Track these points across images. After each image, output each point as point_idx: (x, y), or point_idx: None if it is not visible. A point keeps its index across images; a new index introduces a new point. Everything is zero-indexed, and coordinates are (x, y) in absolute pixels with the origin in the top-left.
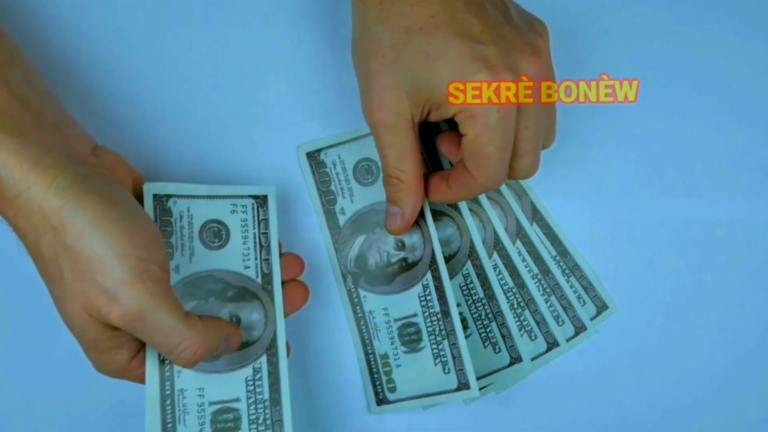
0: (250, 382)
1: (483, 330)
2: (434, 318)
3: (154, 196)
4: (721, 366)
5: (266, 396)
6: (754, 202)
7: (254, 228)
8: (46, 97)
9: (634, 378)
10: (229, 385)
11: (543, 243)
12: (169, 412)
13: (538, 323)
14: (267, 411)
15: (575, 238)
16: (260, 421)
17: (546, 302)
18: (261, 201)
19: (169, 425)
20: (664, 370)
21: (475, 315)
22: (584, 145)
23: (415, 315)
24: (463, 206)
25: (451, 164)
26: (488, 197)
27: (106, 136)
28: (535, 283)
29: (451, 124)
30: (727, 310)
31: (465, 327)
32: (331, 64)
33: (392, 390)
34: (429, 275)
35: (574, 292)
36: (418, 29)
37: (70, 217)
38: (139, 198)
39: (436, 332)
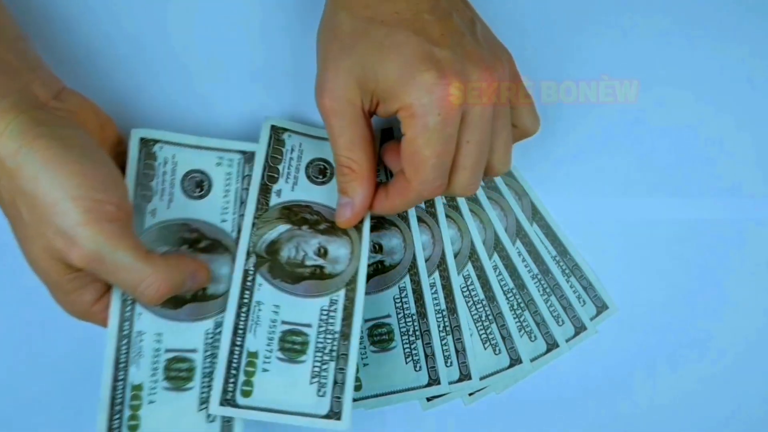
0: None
1: (483, 331)
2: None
3: (141, 139)
4: (721, 366)
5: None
6: (754, 202)
7: (237, 183)
8: (12, 42)
9: (634, 378)
10: (188, 335)
11: (543, 243)
12: (123, 351)
13: (538, 324)
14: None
15: (575, 238)
16: (326, 350)
17: (546, 302)
18: (248, 156)
19: (122, 365)
20: (663, 370)
21: (476, 316)
22: (584, 145)
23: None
24: (464, 207)
25: None
26: (488, 197)
27: (87, 85)
28: (535, 283)
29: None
30: (727, 310)
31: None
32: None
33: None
34: (342, 292)
35: (574, 292)
36: (380, 21)
37: (23, 161)
38: (108, 141)
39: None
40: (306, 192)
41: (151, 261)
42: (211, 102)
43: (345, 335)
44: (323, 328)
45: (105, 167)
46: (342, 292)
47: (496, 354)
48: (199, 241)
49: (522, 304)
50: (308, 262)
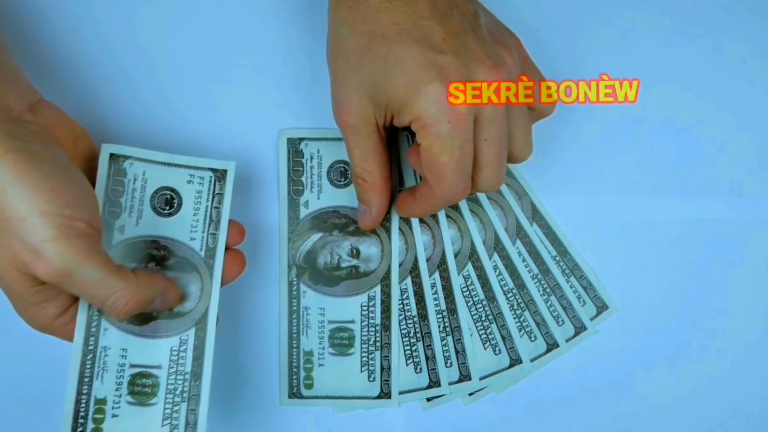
0: (175, 352)
1: (483, 331)
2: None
3: (111, 155)
4: (721, 366)
5: (188, 369)
6: (755, 202)
7: (207, 201)
8: None
9: (634, 378)
10: (153, 351)
11: (543, 243)
12: (88, 366)
13: (538, 324)
14: (186, 383)
15: (575, 238)
16: (178, 392)
17: (546, 302)
18: (219, 175)
19: (86, 379)
20: (663, 370)
21: (476, 317)
22: (584, 145)
23: (352, 322)
24: (464, 208)
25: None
26: (488, 197)
27: (64, 97)
28: (535, 283)
29: None
30: (727, 310)
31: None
32: (307, 58)
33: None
34: (378, 288)
35: (574, 292)
36: (381, 35)
37: None
38: (82, 155)
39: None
40: (331, 197)
41: (122, 275)
42: (188, 118)
43: (386, 327)
44: (365, 323)
45: (76, 184)
46: (378, 288)
47: (496, 354)
48: (166, 259)
49: (522, 304)
50: (343, 264)
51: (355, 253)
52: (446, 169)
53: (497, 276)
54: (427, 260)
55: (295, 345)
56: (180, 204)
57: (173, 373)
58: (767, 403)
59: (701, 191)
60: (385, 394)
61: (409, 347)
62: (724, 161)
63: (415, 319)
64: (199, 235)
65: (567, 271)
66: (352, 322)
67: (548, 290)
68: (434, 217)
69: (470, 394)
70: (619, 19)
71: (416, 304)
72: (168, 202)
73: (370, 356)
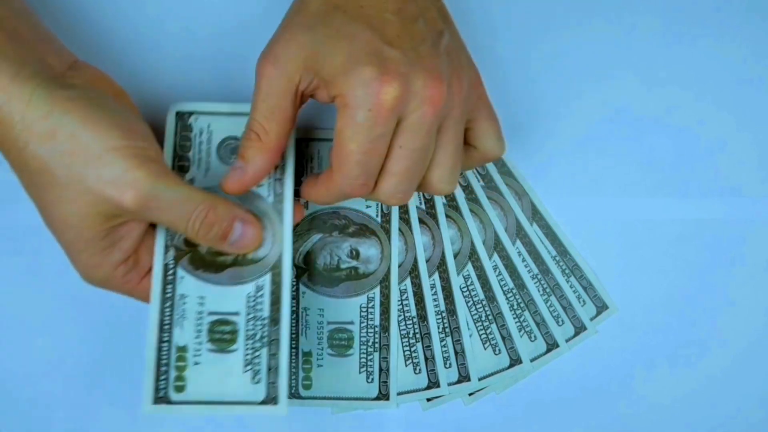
0: (251, 298)
1: (483, 331)
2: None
3: (177, 113)
4: (721, 366)
5: (266, 314)
6: (755, 202)
7: None
8: (21, 14)
9: (634, 378)
10: (230, 298)
11: (543, 243)
12: (167, 314)
13: (537, 324)
14: (265, 329)
15: (575, 238)
16: (257, 337)
17: (546, 302)
18: None
19: (166, 326)
20: (663, 370)
21: (476, 317)
22: (585, 145)
23: (351, 323)
24: (464, 208)
25: None
26: (488, 197)
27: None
28: (535, 283)
29: None
30: (727, 309)
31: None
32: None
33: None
34: (377, 290)
35: (574, 292)
36: (344, 11)
37: (59, 122)
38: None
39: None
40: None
41: (202, 191)
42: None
43: (384, 328)
44: (364, 324)
45: (138, 120)
46: (377, 290)
47: (496, 354)
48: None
49: (522, 304)
50: (343, 265)
51: (355, 254)
52: (351, 157)
53: (497, 276)
54: (427, 261)
55: (294, 346)
56: None
57: (251, 319)
58: (767, 403)
59: (701, 191)
60: (383, 395)
61: (408, 348)
62: (724, 161)
63: (415, 320)
64: (266, 181)
65: (567, 271)
66: (351, 323)
67: (548, 290)
68: (434, 217)
69: (470, 394)
70: (619, 19)
71: (416, 305)
72: (233, 150)
73: (369, 357)
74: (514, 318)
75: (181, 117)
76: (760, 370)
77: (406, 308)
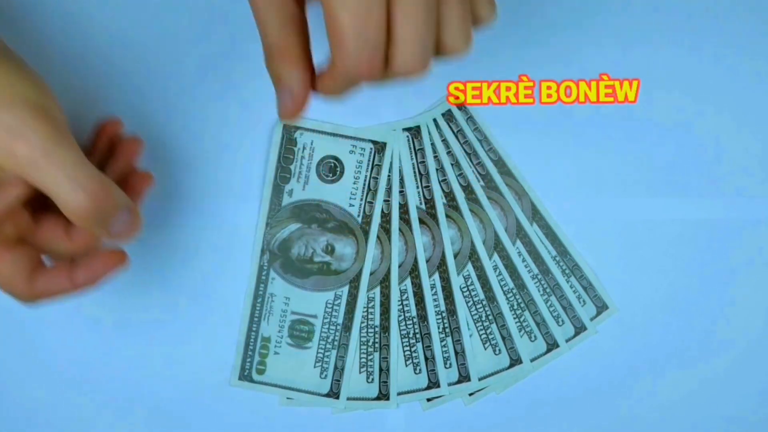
0: (329, 305)
1: (483, 332)
2: (332, 327)
3: (284, 126)
4: (721, 366)
5: (340, 321)
6: (755, 202)
7: (367, 171)
8: None
9: (634, 378)
10: (311, 302)
11: (543, 243)
12: (258, 308)
13: (538, 324)
14: (337, 333)
15: (575, 238)
16: (329, 340)
17: (546, 302)
18: (379, 147)
19: (256, 319)
20: (663, 370)
21: (476, 317)
22: (584, 145)
23: (314, 317)
24: (464, 207)
25: None
26: (488, 197)
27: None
28: (535, 283)
29: None
30: (727, 310)
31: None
32: None
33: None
34: (345, 289)
35: (574, 292)
36: None
37: None
38: None
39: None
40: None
41: (92, 167)
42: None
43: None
44: (327, 320)
45: (45, 83)
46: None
47: (496, 354)
48: (327, 222)
49: (522, 304)
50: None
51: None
52: (346, 30)
53: (497, 276)
54: (427, 261)
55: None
56: (342, 172)
57: (327, 323)
58: (767, 403)
59: (701, 191)
60: (383, 395)
61: (408, 348)
62: (724, 161)
63: (415, 320)
64: (357, 202)
65: (567, 271)
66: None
67: (548, 290)
68: (434, 217)
69: (470, 394)
70: (619, 19)
71: (416, 305)
72: (332, 169)
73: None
74: (514, 318)
75: (288, 130)
76: (760, 370)
77: (406, 308)
